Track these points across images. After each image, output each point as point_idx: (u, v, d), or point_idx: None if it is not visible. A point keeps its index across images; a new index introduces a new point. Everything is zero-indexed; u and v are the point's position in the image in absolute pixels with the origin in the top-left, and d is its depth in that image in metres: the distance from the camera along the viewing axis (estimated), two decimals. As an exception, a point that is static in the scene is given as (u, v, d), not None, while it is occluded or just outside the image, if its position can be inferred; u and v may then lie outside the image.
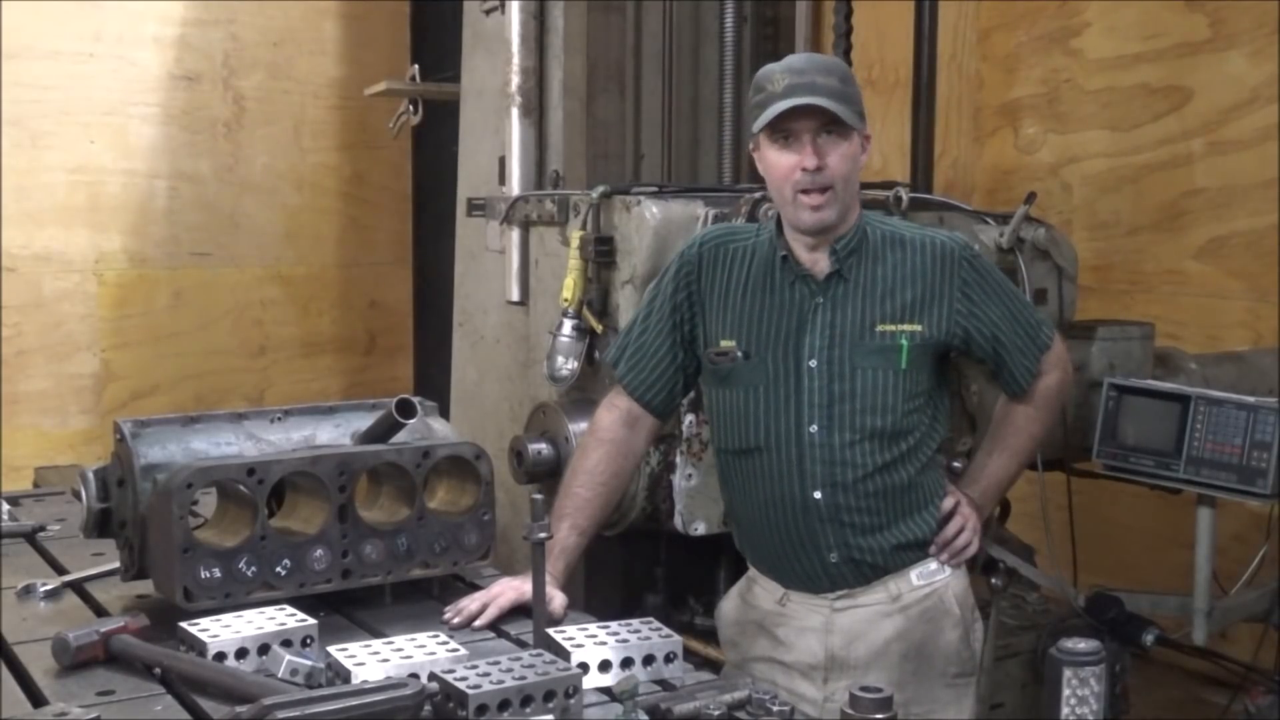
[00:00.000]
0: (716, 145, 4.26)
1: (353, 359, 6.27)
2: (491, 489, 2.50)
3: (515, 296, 3.62)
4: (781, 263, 2.50)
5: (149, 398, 5.71)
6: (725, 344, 2.53)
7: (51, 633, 2.09)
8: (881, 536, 2.51)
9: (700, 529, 3.09)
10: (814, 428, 2.47)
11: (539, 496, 2.12)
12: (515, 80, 3.81)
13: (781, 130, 2.40)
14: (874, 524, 2.50)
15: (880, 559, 2.53)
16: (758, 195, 3.06)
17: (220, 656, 2.03)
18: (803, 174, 2.39)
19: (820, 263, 2.49)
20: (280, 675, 1.99)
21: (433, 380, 5.12)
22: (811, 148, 2.38)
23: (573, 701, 1.88)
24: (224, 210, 5.90)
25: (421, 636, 2.09)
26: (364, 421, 2.49)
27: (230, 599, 2.22)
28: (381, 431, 2.43)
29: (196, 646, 2.05)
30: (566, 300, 3.19)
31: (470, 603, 2.32)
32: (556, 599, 2.33)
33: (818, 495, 2.48)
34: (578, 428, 3.06)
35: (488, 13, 4.01)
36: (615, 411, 2.63)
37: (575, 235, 3.21)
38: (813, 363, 2.47)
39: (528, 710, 1.82)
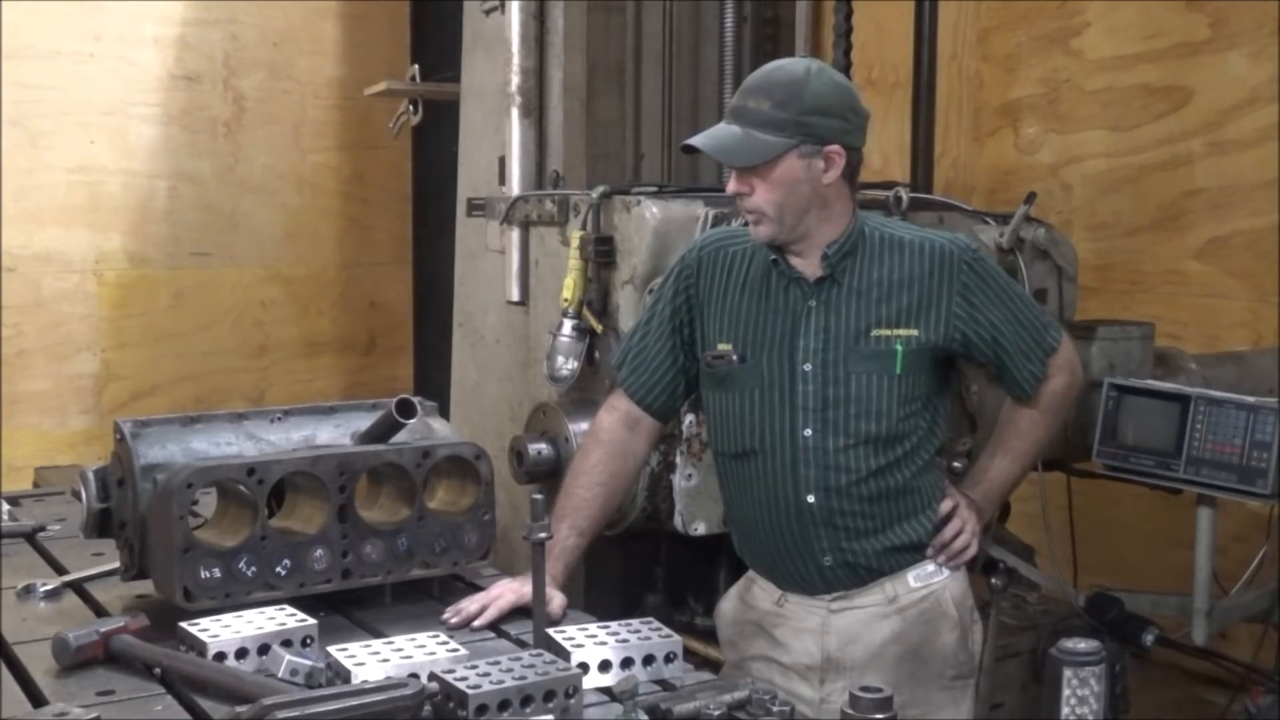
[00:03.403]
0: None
1: (353, 359, 6.27)
2: (491, 489, 2.50)
3: (515, 296, 3.62)
4: (774, 265, 2.51)
5: (149, 398, 5.71)
6: (722, 347, 2.53)
7: (51, 633, 2.09)
8: (876, 540, 2.51)
9: (700, 529, 3.09)
10: (808, 431, 2.47)
11: (539, 496, 2.12)
12: (515, 80, 3.81)
13: None
14: (869, 527, 2.50)
15: (875, 562, 2.53)
16: (758, 195, 3.06)
17: (220, 656, 2.03)
18: (738, 198, 2.45)
19: (811, 267, 2.48)
20: (280, 675, 1.99)
21: (433, 380, 5.12)
22: (735, 175, 2.44)
23: (573, 701, 1.88)
24: (224, 210, 5.90)
25: (421, 636, 2.09)
26: (364, 421, 2.49)
27: (230, 599, 2.22)
28: (381, 431, 2.43)
29: (196, 646, 2.05)
30: (566, 300, 3.19)
31: (470, 604, 2.32)
32: (556, 600, 2.33)
33: (811, 499, 2.48)
34: (578, 428, 3.06)
35: (488, 13, 4.01)
36: (615, 413, 2.63)
37: (575, 235, 3.21)
38: (807, 366, 2.46)
39: (528, 710, 1.82)
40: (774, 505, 2.51)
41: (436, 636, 2.10)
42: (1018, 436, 2.67)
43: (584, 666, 2.02)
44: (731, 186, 2.44)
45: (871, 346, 2.46)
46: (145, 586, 2.34)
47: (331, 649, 2.02)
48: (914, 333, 2.46)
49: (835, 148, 2.41)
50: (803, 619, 2.57)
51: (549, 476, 3.08)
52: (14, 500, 3.18)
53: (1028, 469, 2.81)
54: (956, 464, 3.05)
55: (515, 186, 3.78)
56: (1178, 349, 3.85)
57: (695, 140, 2.45)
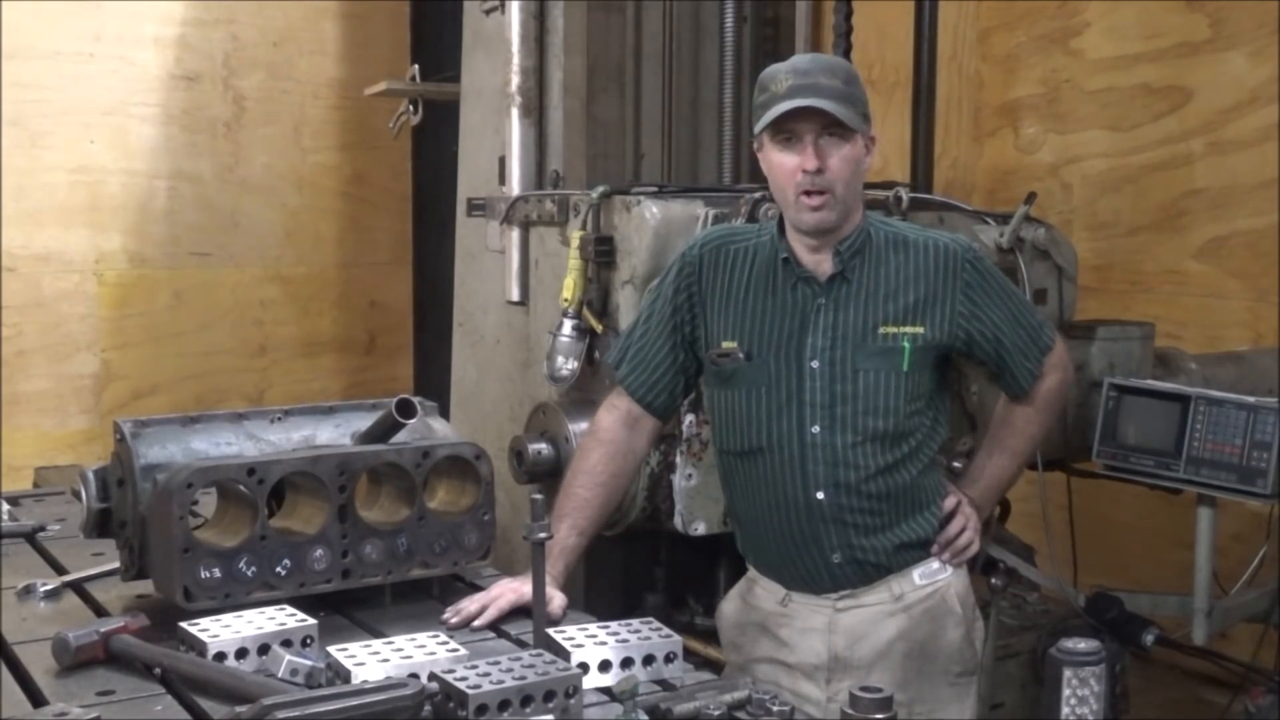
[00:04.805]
0: (716, 145, 4.26)
1: (353, 359, 6.27)
2: (491, 489, 2.50)
3: (515, 296, 3.61)
4: (783, 264, 2.51)
5: (149, 398, 5.71)
6: (727, 345, 2.53)
7: (51, 633, 2.09)
8: (884, 536, 2.52)
9: (700, 529, 3.09)
10: (816, 429, 2.47)
11: (539, 496, 2.12)
12: (515, 80, 3.81)
13: (784, 131, 2.41)
14: (877, 524, 2.51)
15: (883, 559, 2.53)
16: (758, 195, 3.06)
17: (220, 656, 2.03)
18: (804, 175, 2.39)
19: (823, 264, 2.49)
20: (280, 675, 1.99)
21: (433, 380, 5.12)
22: (813, 149, 2.38)
23: (573, 701, 1.88)
24: (224, 210, 5.89)
25: (421, 636, 2.09)
26: (364, 421, 2.49)
27: (230, 599, 2.22)
28: (381, 431, 2.43)
29: (196, 646, 2.05)
30: (566, 300, 3.19)
31: (470, 604, 2.32)
32: (556, 599, 2.33)
33: (820, 496, 2.48)
34: (578, 428, 3.06)
35: (488, 13, 4.01)
36: (615, 412, 2.63)
37: (575, 235, 3.21)
38: (815, 364, 2.47)
39: (528, 710, 1.82)
40: (782, 503, 2.51)
41: (436, 636, 2.10)
42: (1014, 434, 2.69)
43: (584, 666, 2.02)
44: (811, 160, 2.37)
45: (879, 344, 2.47)
46: (145, 586, 2.34)
47: (331, 649, 2.02)
48: (920, 330, 2.48)
49: (873, 134, 2.48)
50: (808, 618, 2.57)
51: (549, 476, 3.08)
52: (14, 500, 3.18)
53: (1023, 466, 2.83)
54: (956, 464, 3.05)
55: (515, 186, 3.78)
56: (1178, 349, 3.85)
57: (809, 101, 2.34)
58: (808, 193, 2.40)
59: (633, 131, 4.33)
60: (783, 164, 2.42)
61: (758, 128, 2.43)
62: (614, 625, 2.16)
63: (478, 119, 4.15)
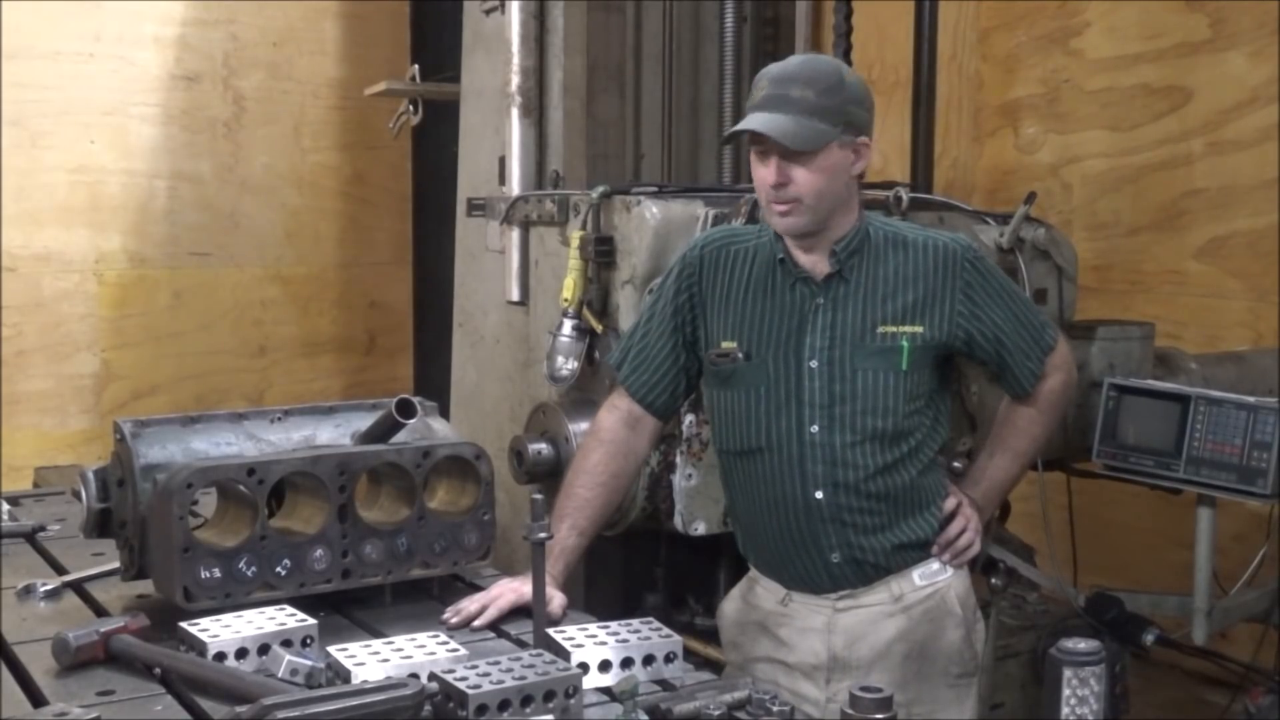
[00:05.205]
0: (716, 145, 4.26)
1: (353, 359, 6.27)
2: (491, 489, 2.50)
3: (515, 296, 3.62)
4: (780, 265, 2.51)
5: (149, 398, 5.71)
6: (726, 345, 2.53)
7: (51, 633, 2.09)
8: (883, 537, 2.51)
9: (700, 529, 3.09)
10: (815, 428, 2.47)
11: (539, 496, 2.12)
12: (515, 80, 3.81)
13: (756, 142, 2.43)
14: (876, 524, 2.50)
15: (882, 559, 2.53)
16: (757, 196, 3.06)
17: (220, 656, 2.03)
18: (770, 188, 2.41)
19: (819, 264, 2.49)
20: (280, 675, 1.99)
21: (433, 380, 5.12)
22: (776, 165, 2.40)
23: (573, 701, 1.88)
24: (224, 210, 5.90)
25: (421, 636, 2.09)
26: (364, 421, 2.49)
27: (230, 599, 2.22)
28: (381, 431, 2.43)
29: (196, 646, 2.05)
30: (566, 300, 3.19)
31: (470, 604, 2.32)
32: (556, 599, 2.33)
33: (819, 495, 2.48)
34: (578, 428, 3.06)
35: (488, 13, 4.01)
36: (616, 412, 2.63)
37: (575, 235, 3.21)
38: (813, 363, 2.47)
39: (528, 710, 1.82)
40: (781, 502, 2.51)
41: (436, 636, 2.10)
42: (1016, 435, 2.68)
43: (584, 666, 2.02)
44: (771, 176, 2.40)
45: (877, 343, 2.47)
46: (145, 586, 2.34)
47: (331, 649, 2.02)
48: (919, 329, 2.48)
49: (865, 140, 2.46)
50: (808, 618, 2.57)
51: (549, 476, 3.08)
52: (14, 500, 3.18)
53: (1026, 467, 2.82)
54: (957, 464, 3.05)
55: (515, 186, 3.78)
56: (1178, 349, 3.85)
57: (755, 125, 2.37)
58: (776, 201, 2.43)
59: (633, 131, 4.33)
60: (756, 173, 2.47)
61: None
62: (614, 625, 2.16)
63: (478, 119, 4.15)
